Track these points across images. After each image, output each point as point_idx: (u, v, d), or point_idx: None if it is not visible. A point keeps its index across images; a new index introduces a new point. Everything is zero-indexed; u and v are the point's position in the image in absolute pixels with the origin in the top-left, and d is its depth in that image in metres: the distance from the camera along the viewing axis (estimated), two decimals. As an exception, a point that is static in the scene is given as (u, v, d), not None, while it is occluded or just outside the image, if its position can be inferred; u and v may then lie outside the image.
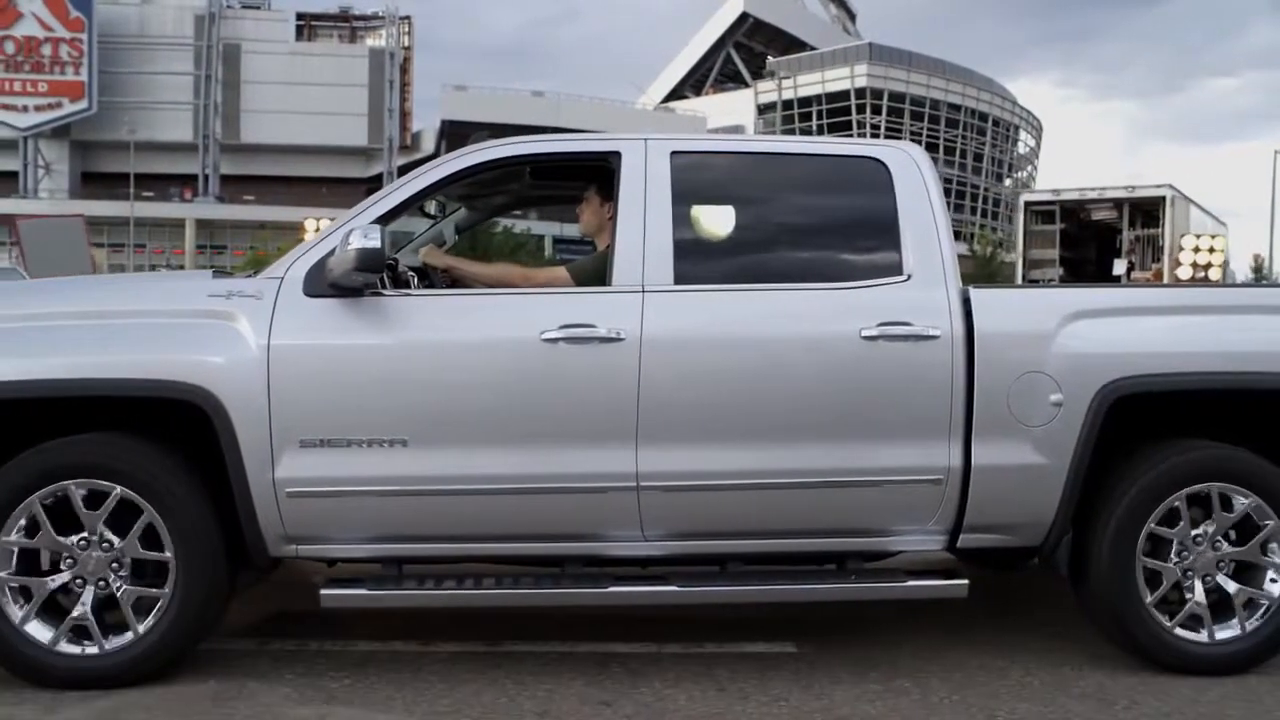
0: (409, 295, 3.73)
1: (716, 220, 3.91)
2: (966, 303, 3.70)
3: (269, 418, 3.48)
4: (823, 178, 3.96)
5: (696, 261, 3.72)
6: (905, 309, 3.66)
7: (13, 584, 3.48)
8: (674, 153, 3.79)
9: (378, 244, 3.40)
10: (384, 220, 3.69)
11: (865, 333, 3.62)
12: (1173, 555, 3.73)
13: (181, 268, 49.93)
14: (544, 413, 3.56)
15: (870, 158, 3.89)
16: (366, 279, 3.49)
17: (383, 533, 3.62)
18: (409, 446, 3.52)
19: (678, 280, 3.65)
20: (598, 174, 4.15)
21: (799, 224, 3.98)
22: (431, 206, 4.66)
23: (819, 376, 3.64)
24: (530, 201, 5.12)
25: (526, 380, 3.56)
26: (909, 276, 3.73)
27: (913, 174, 3.83)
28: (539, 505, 3.58)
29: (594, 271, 3.84)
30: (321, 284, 3.56)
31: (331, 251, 3.55)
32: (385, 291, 3.63)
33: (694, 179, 3.81)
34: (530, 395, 3.56)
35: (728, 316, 3.68)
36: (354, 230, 3.47)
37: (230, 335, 3.51)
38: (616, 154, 3.78)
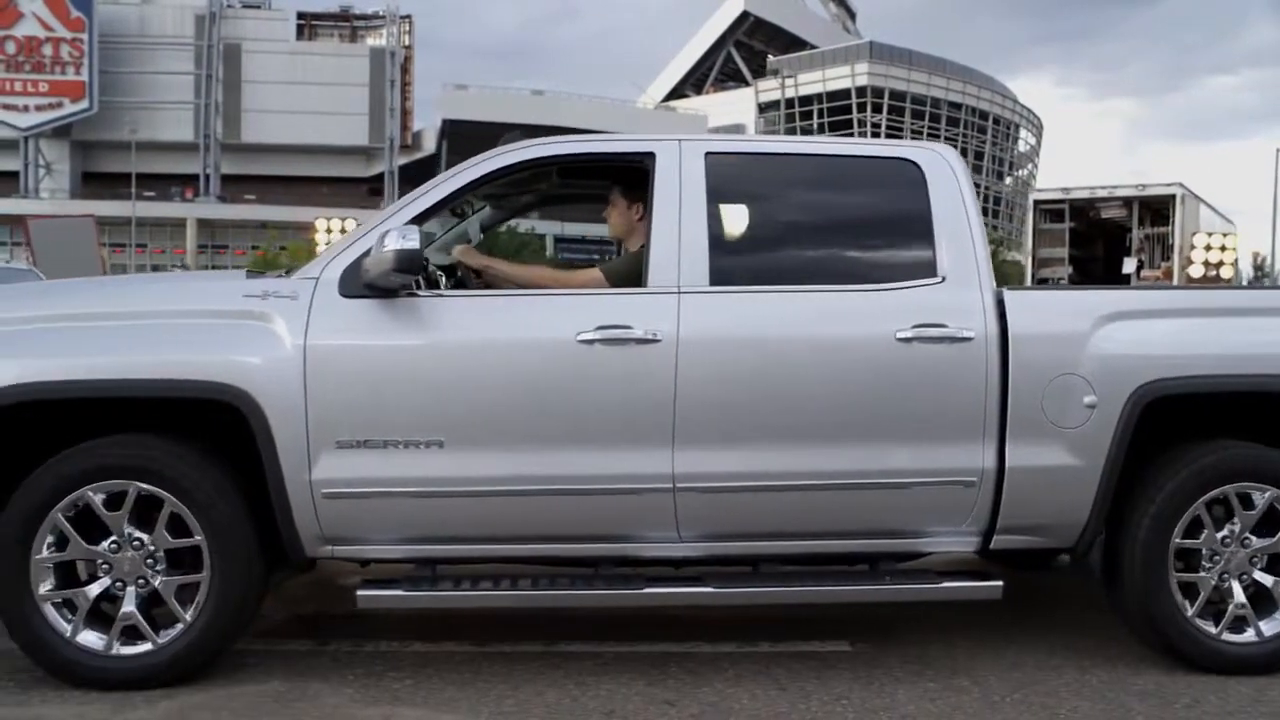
0: (444, 296, 3.73)
1: (750, 221, 3.91)
2: (1000, 304, 3.70)
3: (305, 418, 3.47)
4: (856, 179, 3.95)
5: (731, 262, 3.71)
6: (940, 310, 3.66)
7: (56, 599, 3.49)
8: (708, 154, 3.79)
9: (416, 245, 3.39)
10: (419, 220, 3.69)
11: (900, 334, 3.62)
12: (1205, 563, 3.74)
13: (185, 267, 49.96)
14: (580, 414, 3.56)
15: (903, 159, 3.89)
16: (404, 280, 3.48)
17: (419, 534, 3.62)
18: (445, 448, 3.52)
19: (713, 281, 3.64)
20: (622, 174, 4.15)
21: (833, 225, 3.98)
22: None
23: (854, 378, 3.63)
24: (555, 200, 5.11)
25: (563, 381, 3.56)
26: (943, 278, 3.73)
27: (946, 175, 3.83)
28: (575, 507, 3.58)
29: (628, 273, 3.83)
30: (357, 284, 3.55)
31: (367, 252, 3.54)
32: (420, 292, 3.62)
33: (728, 180, 3.80)
34: (566, 396, 3.55)
35: (763, 317, 3.68)
36: (390, 231, 3.46)
37: (267, 336, 3.51)
38: (651, 155, 3.78)
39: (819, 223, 3.98)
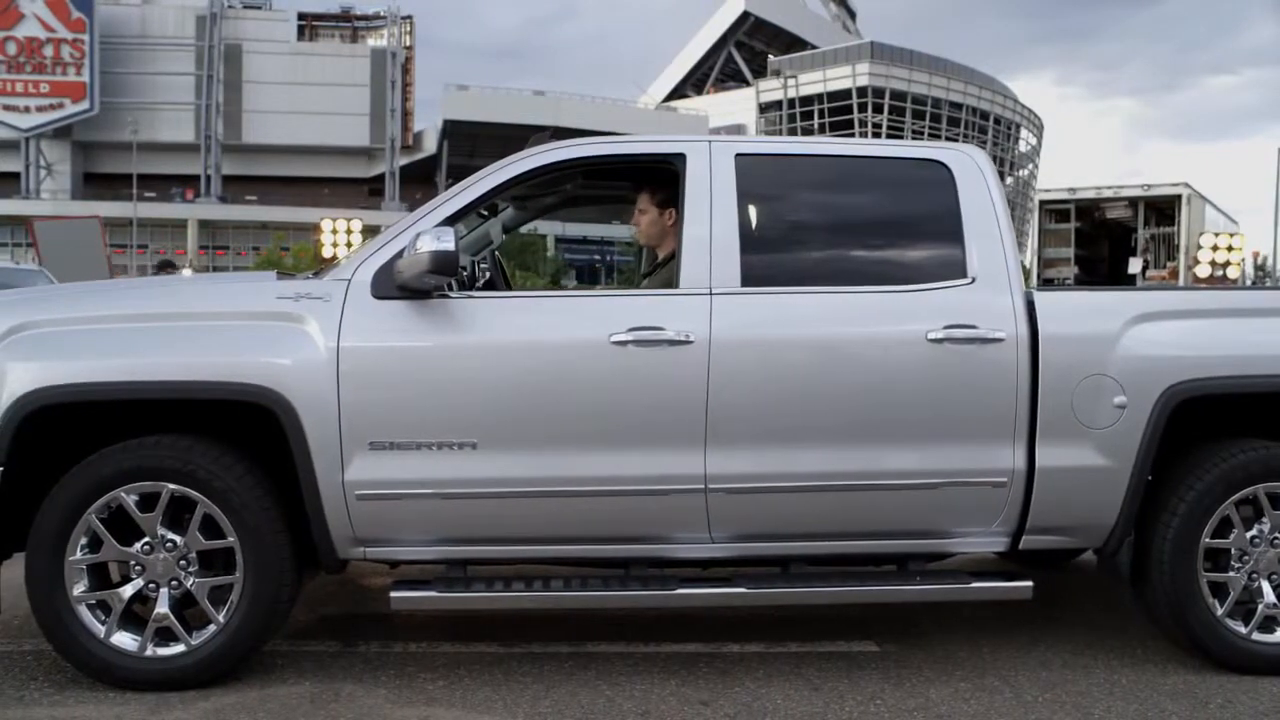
0: (476, 297, 3.72)
1: (780, 222, 3.92)
2: (1030, 305, 3.71)
3: (339, 420, 3.48)
4: (885, 180, 3.95)
5: (762, 263, 3.72)
6: (970, 311, 3.66)
7: (90, 600, 3.50)
8: (738, 155, 3.79)
9: (452, 246, 3.39)
10: (452, 221, 3.70)
11: (931, 335, 3.62)
12: (1234, 562, 3.75)
13: (192, 267, 49.95)
14: (613, 415, 3.56)
15: (932, 160, 3.90)
16: (439, 281, 3.49)
17: (451, 535, 3.62)
18: (478, 449, 3.52)
19: (744, 282, 3.65)
20: (647, 177, 4.16)
21: (862, 226, 3.98)
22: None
23: (885, 378, 3.64)
24: (577, 202, 5.12)
25: (595, 383, 3.56)
26: (973, 279, 3.73)
27: (975, 177, 3.84)
28: (608, 508, 3.58)
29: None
30: (390, 285, 3.55)
31: (400, 253, 3.54)
32: (452, 293, 3.62)
33: (758, 181, 3.81)
34: (599, 398, 3.56)
35: (794, 318, 3.68)
36: (424, 233, 3.46)
37: (300, 337, 3.51)
38: (682, 156, 3.78)
39: (848, 224, 3.98)
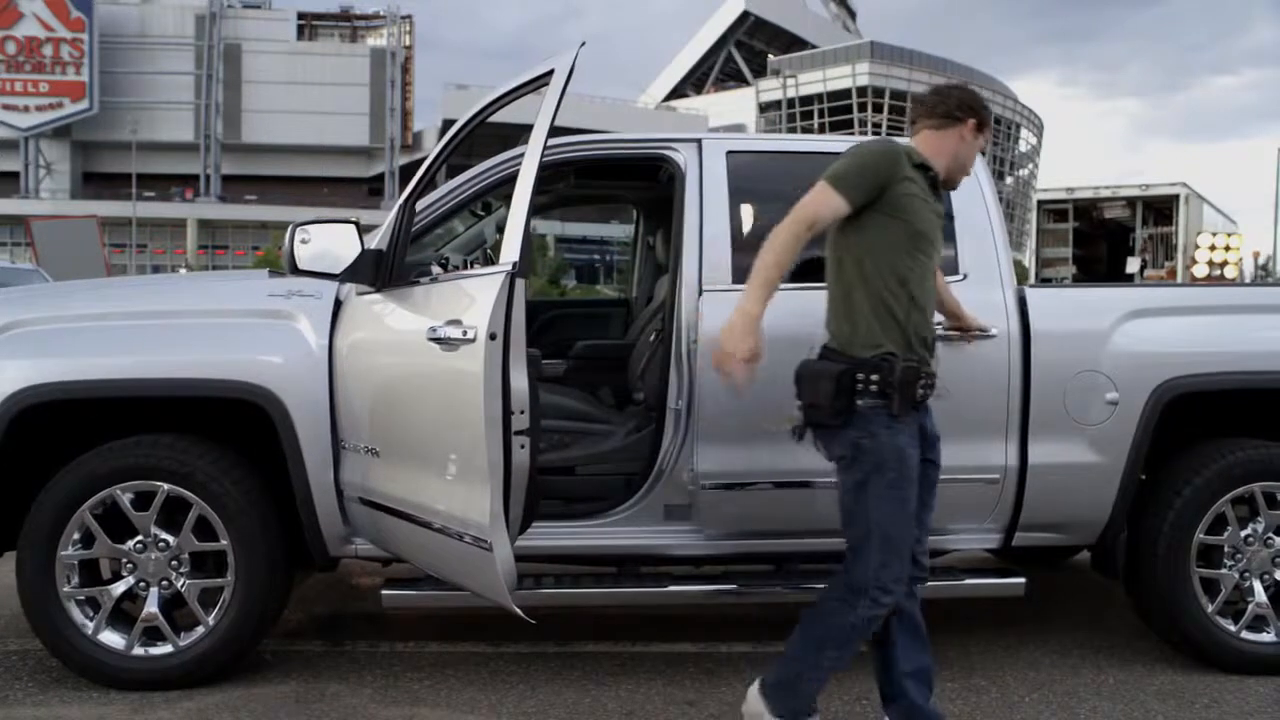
0: None
1: (773, 219, 3.89)
2: (1022, 302, 3.69)
3: (331, 417, 3.46)
4: (877, 176, 3.93)
5: (754, 261, 3.70)
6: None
7: (79, 596, 3.48)
8: (729, 152, 3.78)
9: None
10: (441, 220, 3.69)
11: (923, 332, 3.60)
12: (1226, 560, 3.74)
13: (188, 267, 49.97)
14: None
15: (924, 156, 3.87)
16: None
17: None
18: None
19: (735, 280, 3.63)
20: (640, 174, 4.14)
21: (854, 223, 3.96)
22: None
23: (877, 375, 3.61)
24: (570, 201, 5.10)
25: None
26: (965, 276, 3.71)
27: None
28: None
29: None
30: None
31: (388, 251, 3.53)
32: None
33: (749, 178, 3.79)
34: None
35: (786, 315, 3.64)
36: None
37: (291, 335, 3.50)
38: (671, 154, 3.77)
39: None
